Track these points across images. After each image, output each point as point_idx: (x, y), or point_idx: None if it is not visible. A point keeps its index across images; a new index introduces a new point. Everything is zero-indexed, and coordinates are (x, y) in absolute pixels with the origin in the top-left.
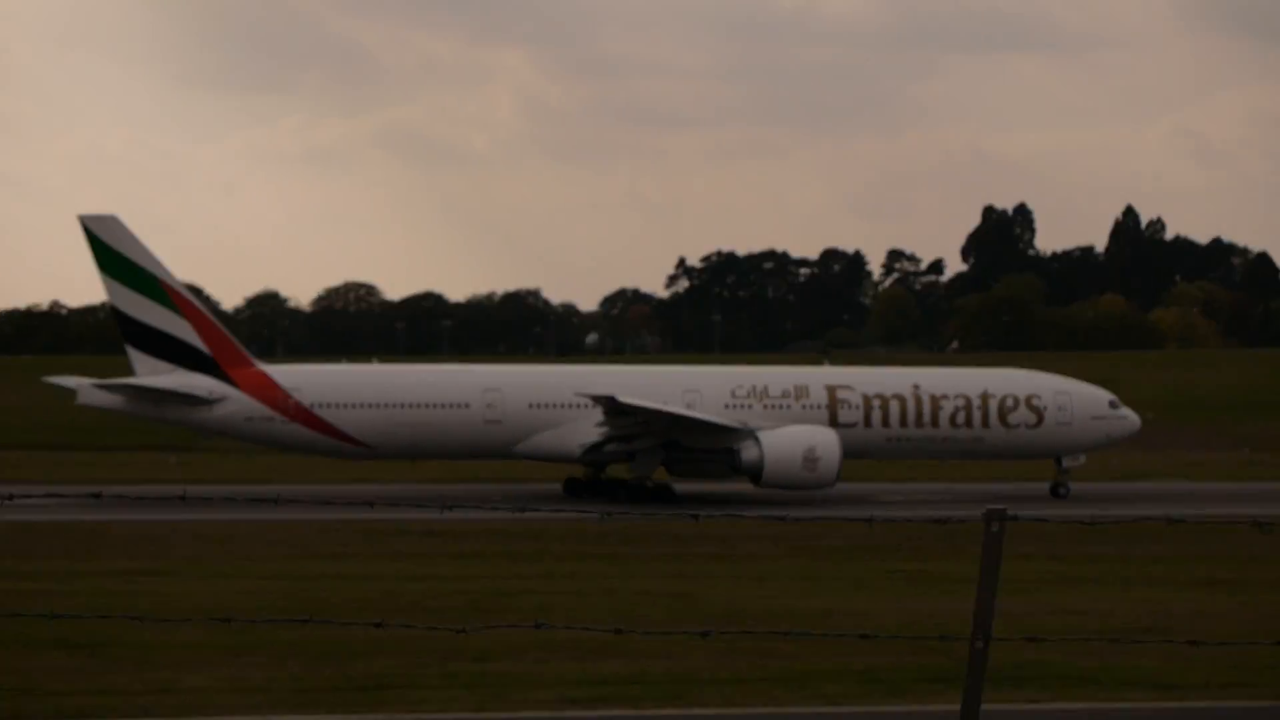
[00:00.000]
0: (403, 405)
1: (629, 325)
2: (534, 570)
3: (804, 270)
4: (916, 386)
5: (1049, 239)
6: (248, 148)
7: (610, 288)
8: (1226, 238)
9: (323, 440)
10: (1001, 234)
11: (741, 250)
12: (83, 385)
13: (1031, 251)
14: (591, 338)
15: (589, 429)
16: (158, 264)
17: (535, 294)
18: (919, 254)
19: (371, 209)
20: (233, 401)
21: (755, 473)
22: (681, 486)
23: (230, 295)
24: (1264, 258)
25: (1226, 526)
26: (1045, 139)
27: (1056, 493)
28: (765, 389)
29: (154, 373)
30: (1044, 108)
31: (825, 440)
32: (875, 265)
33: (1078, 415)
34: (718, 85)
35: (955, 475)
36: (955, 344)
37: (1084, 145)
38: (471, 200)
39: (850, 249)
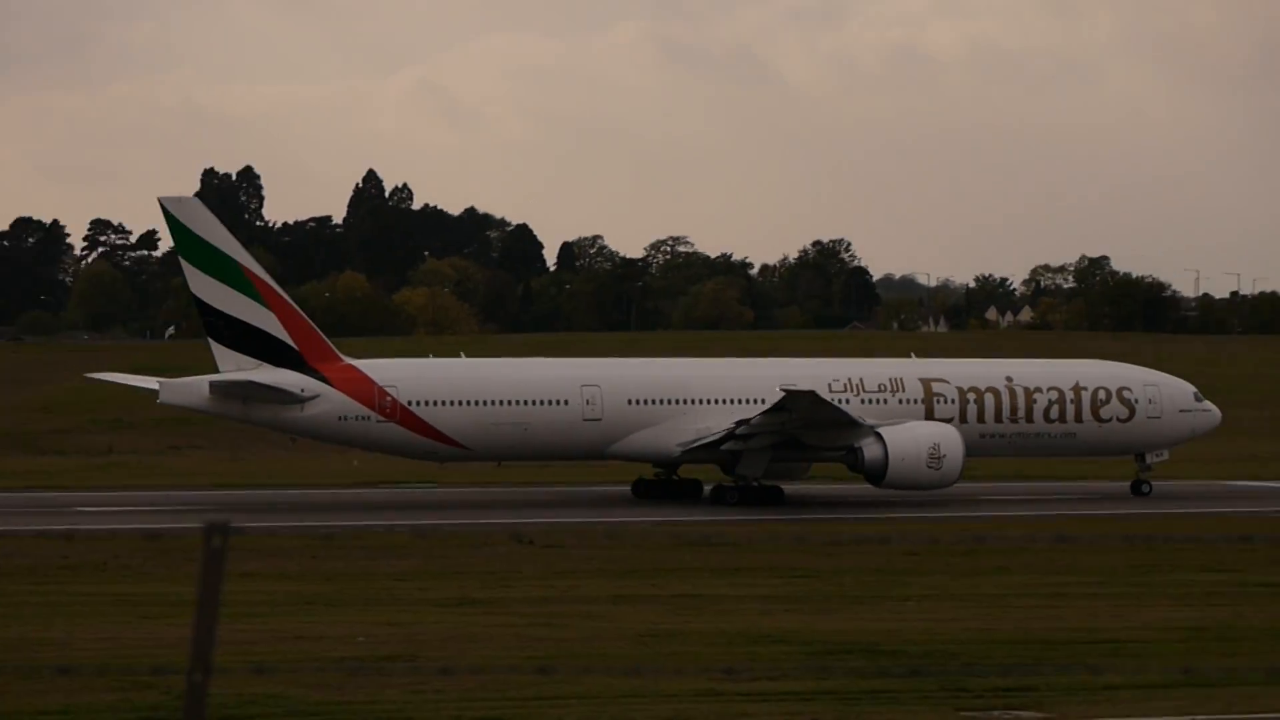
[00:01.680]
0: (501, 403)
1: None
2: None
3: None
4: (1010, 379)
5: (279, 208)
6: None
7: None
8: (482, 208)
9: (418, 441)
10: (225, 201)
11: None
12: (168, 384)
13: (260, 222)
14: None
15: (687, 428)
16: (241, 249)
17: None
18: (129, 225)
19: None
20: (326, 399)
21: (878, 472)
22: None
23: None
24: (524, 230)
25: (483, 539)
26: (272, 93)
27: (1139, 490)
28: (861, 382)
29: (239, 368)
30: (269, 57)
31: (949, 437)
32: (77, 238)
33: (1166, 408)
34: None
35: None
36: (172, 329)
37: (318, 101)
38: None
39: (46, 219)
